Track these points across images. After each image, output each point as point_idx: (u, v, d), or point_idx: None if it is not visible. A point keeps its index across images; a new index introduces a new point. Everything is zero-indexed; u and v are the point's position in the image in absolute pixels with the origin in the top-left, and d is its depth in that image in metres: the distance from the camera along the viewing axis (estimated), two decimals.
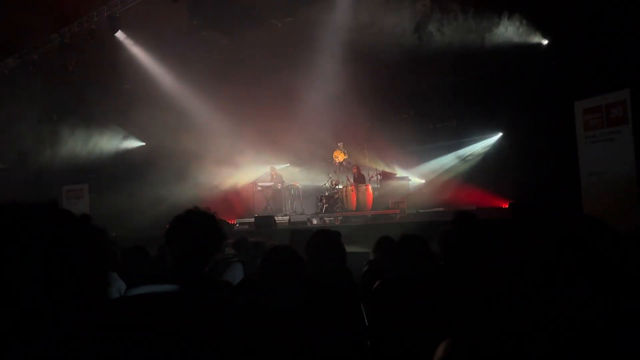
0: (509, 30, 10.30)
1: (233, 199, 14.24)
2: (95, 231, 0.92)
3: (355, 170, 12.21)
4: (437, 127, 12.51)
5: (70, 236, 0.87)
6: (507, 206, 10.41)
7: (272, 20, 12.28)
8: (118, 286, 3.05)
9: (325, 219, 11.60)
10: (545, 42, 10.32)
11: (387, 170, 12.61)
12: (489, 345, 0.89)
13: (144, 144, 15.08)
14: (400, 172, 12.74)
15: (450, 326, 0.99)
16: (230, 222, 12.68)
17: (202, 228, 1.95)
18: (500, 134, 11.64)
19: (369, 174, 12.49)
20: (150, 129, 14.18)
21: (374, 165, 12.82)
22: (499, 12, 10.22)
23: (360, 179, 12.12)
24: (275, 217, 11.41)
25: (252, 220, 11.77)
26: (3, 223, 0.83)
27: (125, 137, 15.09)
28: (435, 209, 11.45)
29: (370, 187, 12.20)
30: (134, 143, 15.20)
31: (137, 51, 13.25)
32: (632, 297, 1.17)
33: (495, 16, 10.24)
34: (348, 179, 12.21)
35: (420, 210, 11.43)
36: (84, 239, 0.89)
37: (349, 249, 3.30)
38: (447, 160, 12.25)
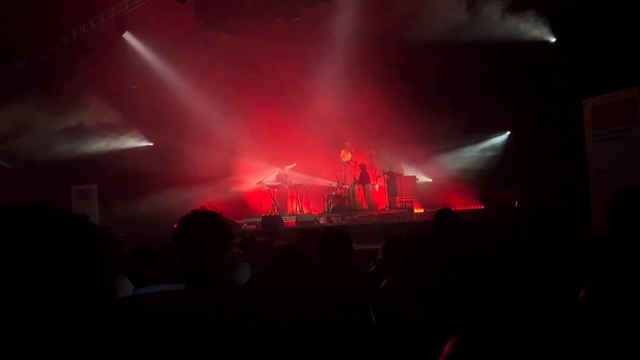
0: (521, 27, 10.23)
1: (240, 199, 14.27)
2: (96, 230, 0.93)
3: (362, 170, 12.20)
4: (444, 126, 12.46)
5: (69, 236, 0.87)
6: (515, 205, 10.36)
7: (278, 20, 12.30)
8: (125, 286, 3.06)
9: (332, 218, 11.61)
10: (553, 39, 10.25)
11: (395, 169, 12.58)
12: (495, 344, 0.89)
13: (152, 144, 15.15)
14: (407, 171, 12.71)
15: (458, 325, 0.99)
16: (237, 222, 12.72)
17: (209, 227, 1.96)
18: (508, 133, 11.58)
19: (376, 173, 12.47)
20: (157, 129, 14.26)
21: (381, 164, 12.80)
22: (519, 8, 10.15)
23: (367, 178, 12.11)
24: (282, 217, 11.43)
25: (259, 220, 11.79)
26: (2, 226, 0.83)
27: (133, 138, 15.16)
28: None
29: (377, 186, 12.19)
30: (142, 143, 15.28)
31: (144, 52, 13.31)
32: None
33: (515, 12, 10.18)
34: (355, 178, 12.20)
35: (428, 210, 11.39)
36: (84, 238, 0.89)
37: (356, 248, 3.30)
38: (455, 159, 12.19)
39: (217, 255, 1.97)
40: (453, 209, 11.22)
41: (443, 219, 3.09)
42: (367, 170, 12.32)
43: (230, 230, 2.02)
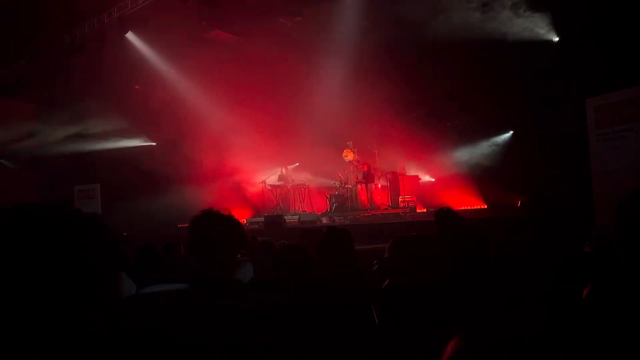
0: (524, 26, 10.22)
1: (243, 199, 14.29)
2: (105, 230, 0.93)
3: (365, 169, 12.19)
4: (447, 125, 12.44)
5: (80, 235, 0.88)
6: (518, 205, 10.34)
7: (281, 20, 12.31)
8: (127, 286, 3.07)
9: (335, 218, 11.61)
10: (556, 38, 10.23)
11: (397, 168, 12.57)
12: (498, 344, 0.89)
13: (155, 143, 15.18)
14: (410, 170, 12.69)
15: (460, 325, 0.99)
16: (240, 221, 12.68)
17: (227, 229, 1.94)
18: (511, 132, 11.56)
19: (378, 173, 12.46)
20: (160, 129, 14.28)
21: (383, 164, 12.79)
22: (523, 7, 10.15)
23: (369, 178, 12.09)
24: (285, 217, 11.43)
25: (262, 219, 11.80)
26: (15, 224, 0.84)
27: (136, 137, 15.20)
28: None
29: (379, 185, 12.18)
30: (144, 143, 15.31)
31: (147, 51, 13.33)
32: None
33: (518, 12, 10.18)
34: (357, 178, 12.19)
35: (431, 209, 11.38)
36: (94, 237, 0.89)
37: (359, 248, 3.30)
38: (458, 159, 12.18)
39: (235, 255, 1.97)
40: (456, 208, 11.26)
41: (443, 219, 3.09)
42: (370, 170, 12.31)
43: (244, 232, 2.02)
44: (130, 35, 13.01)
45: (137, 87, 14.12)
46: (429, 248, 2.77)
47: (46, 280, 0.81)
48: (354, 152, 12.58)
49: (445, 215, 3.13)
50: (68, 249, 0.84)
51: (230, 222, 1.94)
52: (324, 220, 11.51)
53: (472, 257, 2.26)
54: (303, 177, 13.51)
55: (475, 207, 11.30)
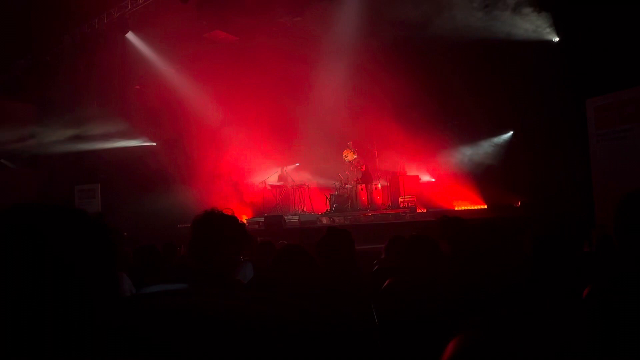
0: (524, 26, 10.24)
1: (243, 199, 14.29)
2: (108, 230, 0.93)
3: (364, 169, 12.19)
4: (447, 126, 12.44)
5: (83, 235, 0.88)
6: (518, 205, 10.34)
7: (281, 20, 12.31)
8: (127, 286, 3.07)
9: (335, 218, 11.60)
10: (556, 38, 10.23)
11: (397, 168, 12.56)
12: (498, 344, 0.89)
13: (155, 143, 15.18)
14: (410, 170, 12.69)
15: (460, 324, 0.99)
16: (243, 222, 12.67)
17: (230, 230, 1.93)
18: (511, 132, 11.55)
19: (377, 173, 12.46)
20: (160, 129, 14.28)
21: (383, 164, 12.78)
22: (523, 7, 10.17)
23: (369, 178, 12.09)
24: (285, 217, 11.43)
25: (262, 219, 11.80)
26: (17, 224, 0.84)
27: (136, 137, 15.19)
28: (446, 208, 11.41)
29: (379, 185, 12.17)
30: (144, 143, 15.30)
31: (147, 51, 13.34)
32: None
33: (519, 11, 10.21)
34: (357, 178, 12.19)
35: (431, 209, 11.38)
36: (97, 237, 0.90)
37: (359, 248, 3.30)
38: (458, 159, 12.17)
39: (238, 257, 1.96)
40: (456, 208, 11.29)
41: (447, 225, 3.08)
42: (370, 170, 12.31)
43: (247, 232, 2.01)
44: (130, 35, 13.01)
45: (137, 87, 14.11)
46: (424, 247, 2.78)
47: (50, 281, 0.81)
48: (354, 152, 12.57)
49: (451, 224, 3.13)
50: (73, 249, 0.84)
51: (232, 222, 1.93)
52: (324, 220, 11.51)
53: (473, 257, 2.27)
54: (303, 177, 13.51)
55: (475, 206, 11.30)
